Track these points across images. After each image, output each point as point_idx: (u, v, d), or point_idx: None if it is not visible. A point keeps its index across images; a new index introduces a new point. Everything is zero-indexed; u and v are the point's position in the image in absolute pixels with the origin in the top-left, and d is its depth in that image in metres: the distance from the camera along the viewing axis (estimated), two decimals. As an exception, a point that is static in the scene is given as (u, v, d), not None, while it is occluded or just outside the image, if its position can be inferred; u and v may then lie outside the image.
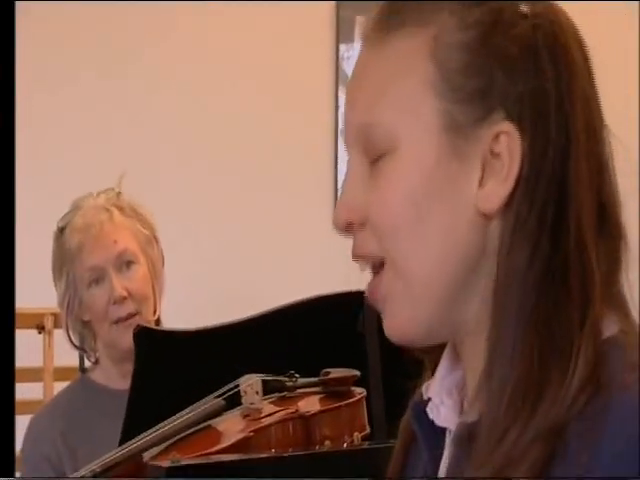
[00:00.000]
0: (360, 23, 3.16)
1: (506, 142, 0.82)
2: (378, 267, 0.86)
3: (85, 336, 2.06)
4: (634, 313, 0.86)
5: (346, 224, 0.88)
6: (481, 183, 0.83)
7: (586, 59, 0.85)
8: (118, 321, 1.98)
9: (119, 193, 2.04)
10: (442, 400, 0.90)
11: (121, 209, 2.02)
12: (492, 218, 0.83)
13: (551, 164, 0.82)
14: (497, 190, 0.82)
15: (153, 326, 1.55)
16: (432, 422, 0.90)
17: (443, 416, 0.89)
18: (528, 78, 0.82)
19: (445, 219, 0.84)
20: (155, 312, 2.00)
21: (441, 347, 0.93)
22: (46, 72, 3.03)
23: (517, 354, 0.80)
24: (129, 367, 1.94)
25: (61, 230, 2.02)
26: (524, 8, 0.83)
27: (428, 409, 0.90)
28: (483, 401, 0.81)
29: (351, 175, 0.88)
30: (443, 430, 0.89)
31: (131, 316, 1.97)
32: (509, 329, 0.81)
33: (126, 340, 1.93)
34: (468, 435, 0.82)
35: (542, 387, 0.78)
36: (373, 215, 0.85)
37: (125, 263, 1.99)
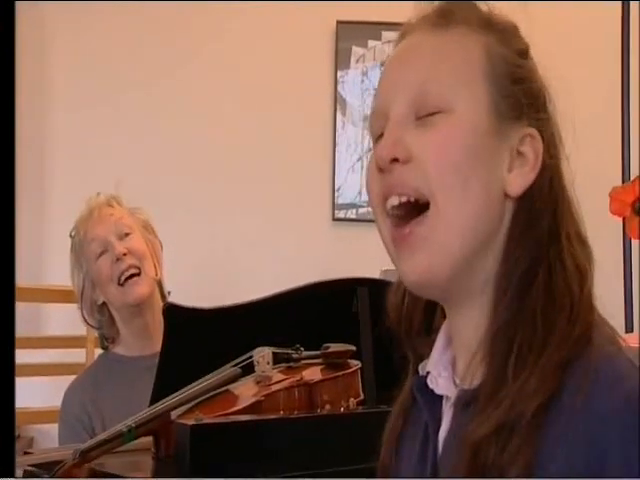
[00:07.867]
0: (355, 53, 3.14)
1: (531, 144, 0.88)
2: (411, 209, 0.86)
3: (103, 322, 2.09)
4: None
5: (391, 159, 0.87)
6: (509, 170, 0.88)
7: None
8: (121, 276, 2.00)
9: (116, 196, 2.11)
10: (440, 373, 0.94)
11: (119, 202, 2.10)
12: (511, 201, 0.88)
13: (554, 170, 0.88)
14: (521, 180, 0.87)
15: (180, 303, 1.53)
16: (432, 391, 0.93)
17: (441, 385, 0.93)
18: (541, 102, 0.90)
19: (484, 180, 0.86)
20: (156, 273, 2.04)
21: (426, 345, 0.97)
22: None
23: (522, 315, 0.82)
24: (147, 339, 2.01)
25: (72, 236, 2.08)
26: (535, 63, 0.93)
27: (428, 380, 0.94)
28: (486, 366, 0.84)
29: (397, 122, 0.88)
30: (440, 398, 0.93)
31: (132, 269, 2.00)
32: (513, 294, 0.84)
33: (132, 294, 1.98)
34: (469, 399, 0.86)
35: (546, 340, 0.80)
36: (428, 154, 0.86)
37: (124, 234, 2.04)
